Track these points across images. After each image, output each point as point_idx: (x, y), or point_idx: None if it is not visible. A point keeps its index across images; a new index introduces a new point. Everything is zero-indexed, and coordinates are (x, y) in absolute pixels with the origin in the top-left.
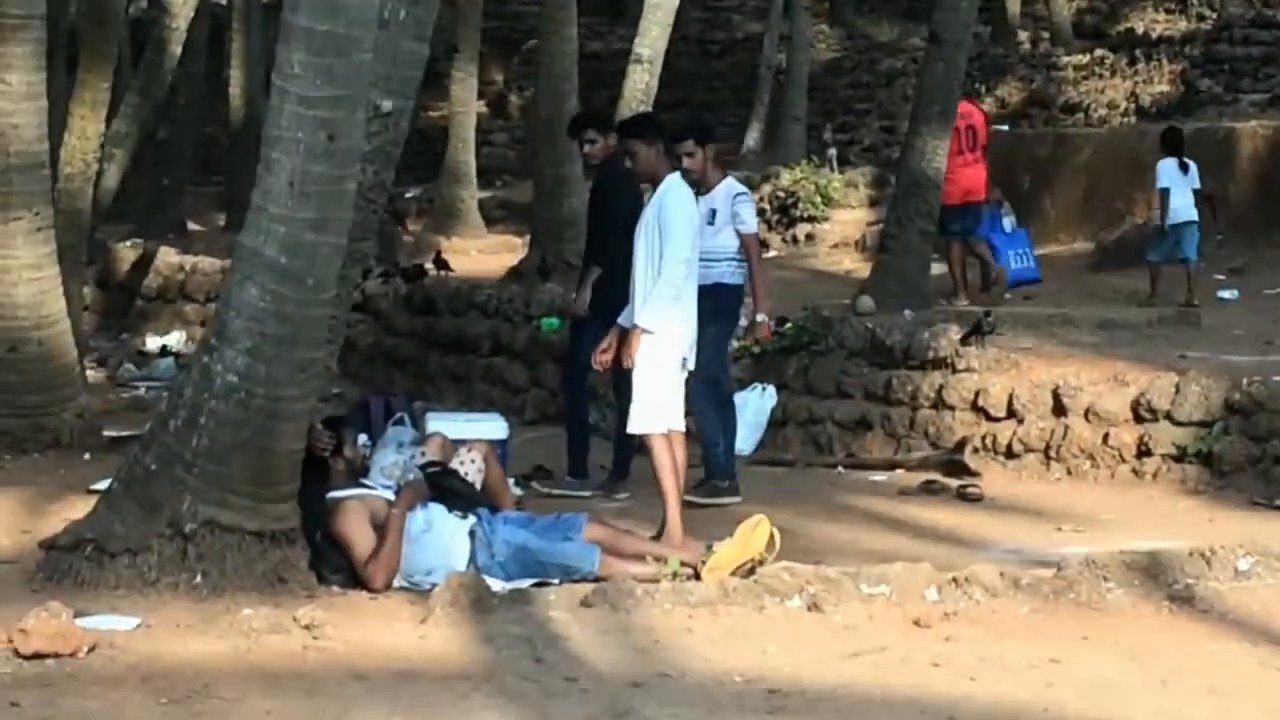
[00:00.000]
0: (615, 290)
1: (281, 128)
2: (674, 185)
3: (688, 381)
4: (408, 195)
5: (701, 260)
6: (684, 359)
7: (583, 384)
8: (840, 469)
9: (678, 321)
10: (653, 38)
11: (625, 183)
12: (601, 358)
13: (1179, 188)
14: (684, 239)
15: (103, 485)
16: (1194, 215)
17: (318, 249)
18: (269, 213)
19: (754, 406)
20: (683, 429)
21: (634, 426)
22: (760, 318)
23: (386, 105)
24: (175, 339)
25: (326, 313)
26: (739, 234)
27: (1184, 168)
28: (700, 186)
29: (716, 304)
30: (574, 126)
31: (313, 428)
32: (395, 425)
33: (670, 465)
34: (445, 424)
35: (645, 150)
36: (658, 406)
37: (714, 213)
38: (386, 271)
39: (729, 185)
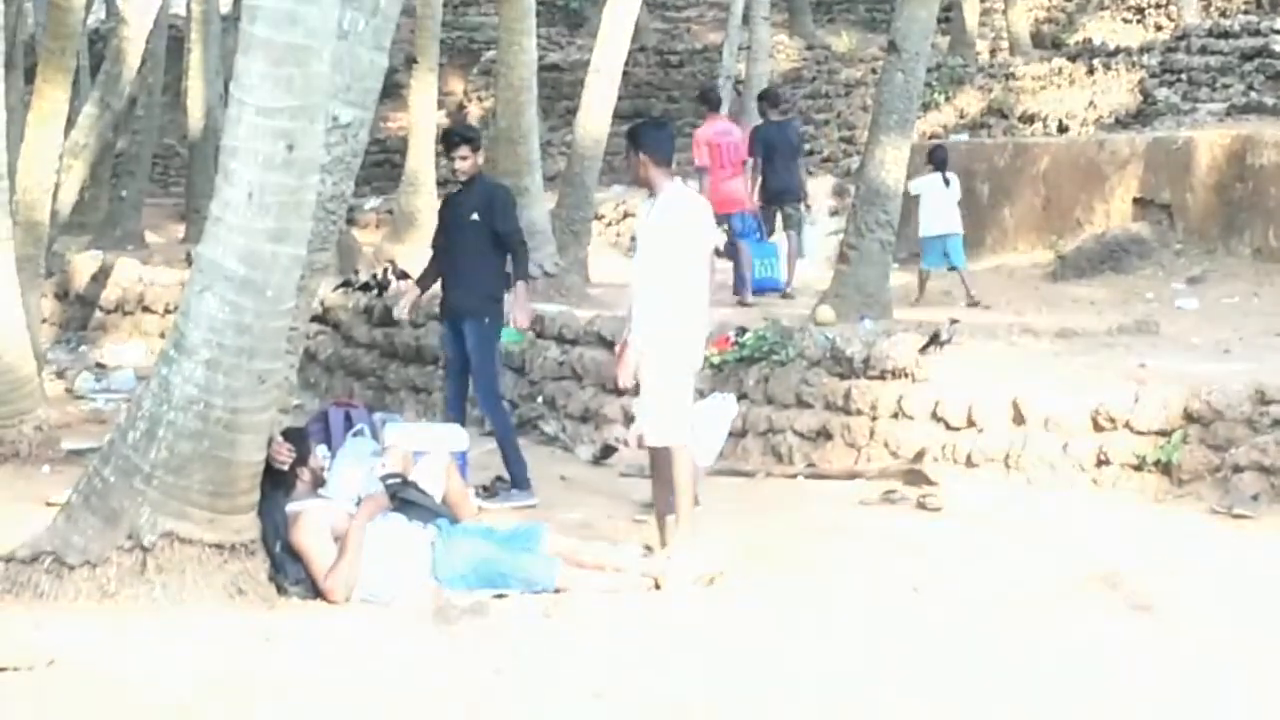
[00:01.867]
0: (455, 293)
1: (240, 138)
2: (674, 196)
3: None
4: (367, 206)
5: None
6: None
7: (488, 391)
8: (800, 479)
9: (679, 334)
10: (612, 49)
11: (487, 197)
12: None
13: (940, 201)
14: (681, 252)
15: (62, 498)
16: (956, 227)
17: (277, 260)
18: (228, 223)
19: (714, 416)
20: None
21: (653, 440)
22: None
23: (345, 116)
24: (135, 351)
25: (286, 324)
26: None
27: (946, 182)
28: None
29: None
30: (447, 142)
31: (272, 439)
32: (355, 437)
33: (689, 480)
34: (405, 435)
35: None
36: (673, 418)
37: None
38: (348, 281)
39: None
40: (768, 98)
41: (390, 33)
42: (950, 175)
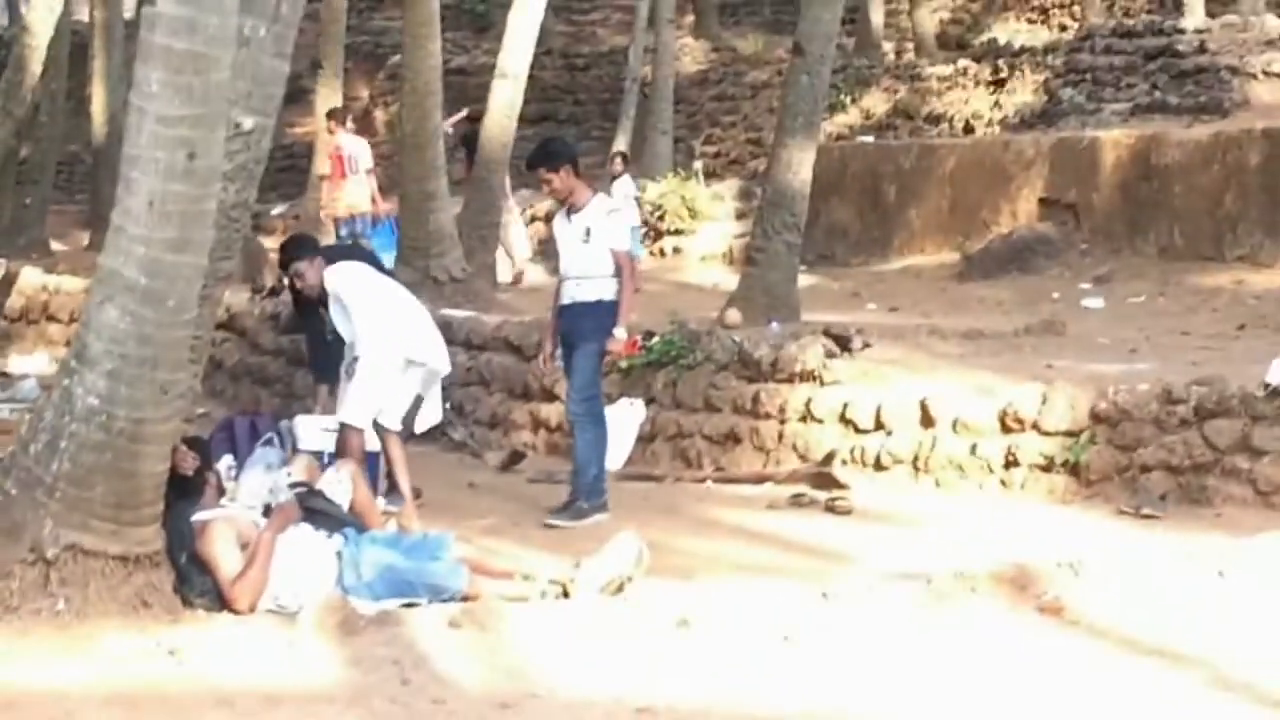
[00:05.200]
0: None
1: (141, 147)
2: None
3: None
4: (273, 212)
5: (578, 278)
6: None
7: None
8: (709, 483)
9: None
10: (518, 53)
11: None
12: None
13: None
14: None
15: None
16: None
17: (179, 269)
18: (129, 233)
19: (622, 421)
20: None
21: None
22: (619, 333)
23: (248, 123)
24: (39, 360)
25: (188, 334)
26: (612, 251)
27: None
28: (571, 206)
29: (598, 321)
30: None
31: (176, 448)
32: (264, 445)
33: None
34: (315, 429)
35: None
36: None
37: (588, 230)
38: (260, 288)
39: (601, 202)
40: None
41: (291, 39)
42: None
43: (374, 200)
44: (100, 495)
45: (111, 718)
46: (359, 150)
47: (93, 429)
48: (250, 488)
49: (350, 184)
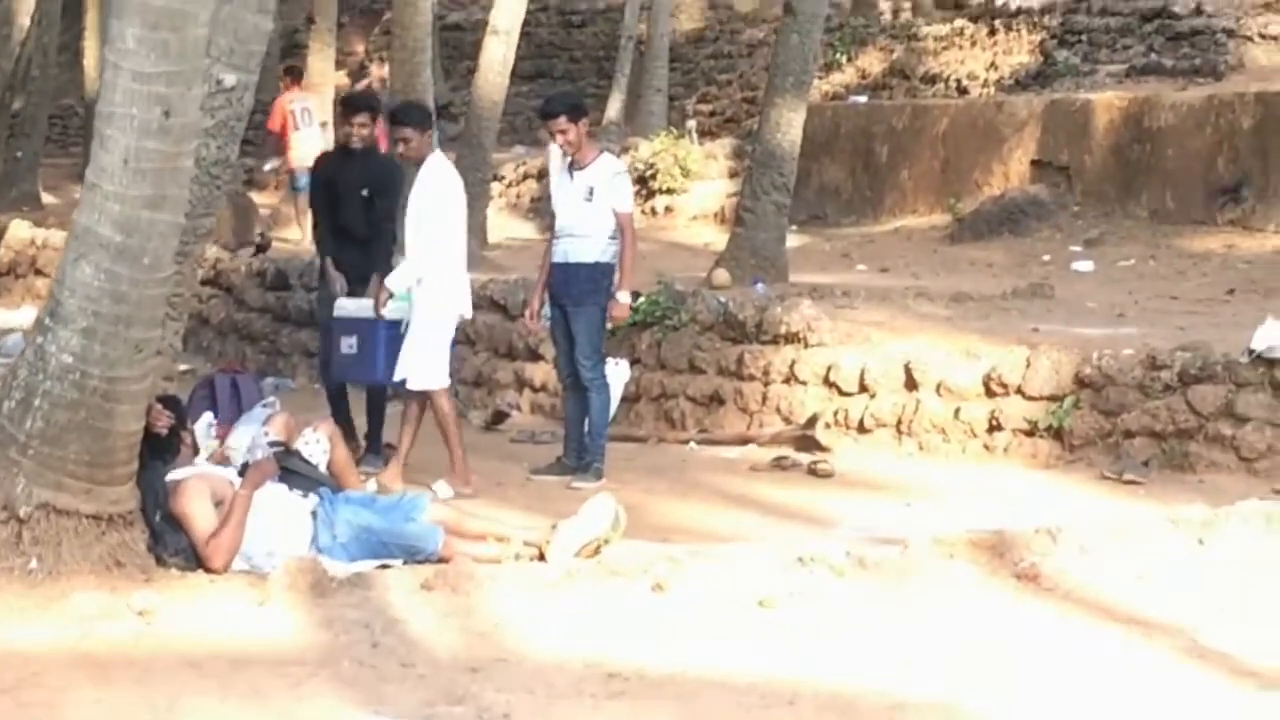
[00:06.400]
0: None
1: (115, 104)
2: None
3: (573, 363)
4: (266, 167)
5: (577, 236)
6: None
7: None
8: (693, 445)
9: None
10: (509, 9)
11: (383, 178)
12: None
13: None
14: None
15: None
16: None
17: (154, 227)
18: (103, 190)
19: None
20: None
21: (416, 383)
22: (622, 296)
23: (229, 80)
24: (27, 315)
25: (164, 292)
26: (615, 211)
27: None
28: (575, 163)
29: (595, 282)
30: (346, 106)
31: (150, 407)
32: (265, 408)
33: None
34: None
35: (419, 137)
36: (438, 364)
37: (591, 190)
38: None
39: (607, 162)
40: None
41: None
42: None
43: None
44: (74, 454)
45: (77, 680)
46: (312, 105)
47: (66, 387)
48: (239, 443)
49: (301, 137)
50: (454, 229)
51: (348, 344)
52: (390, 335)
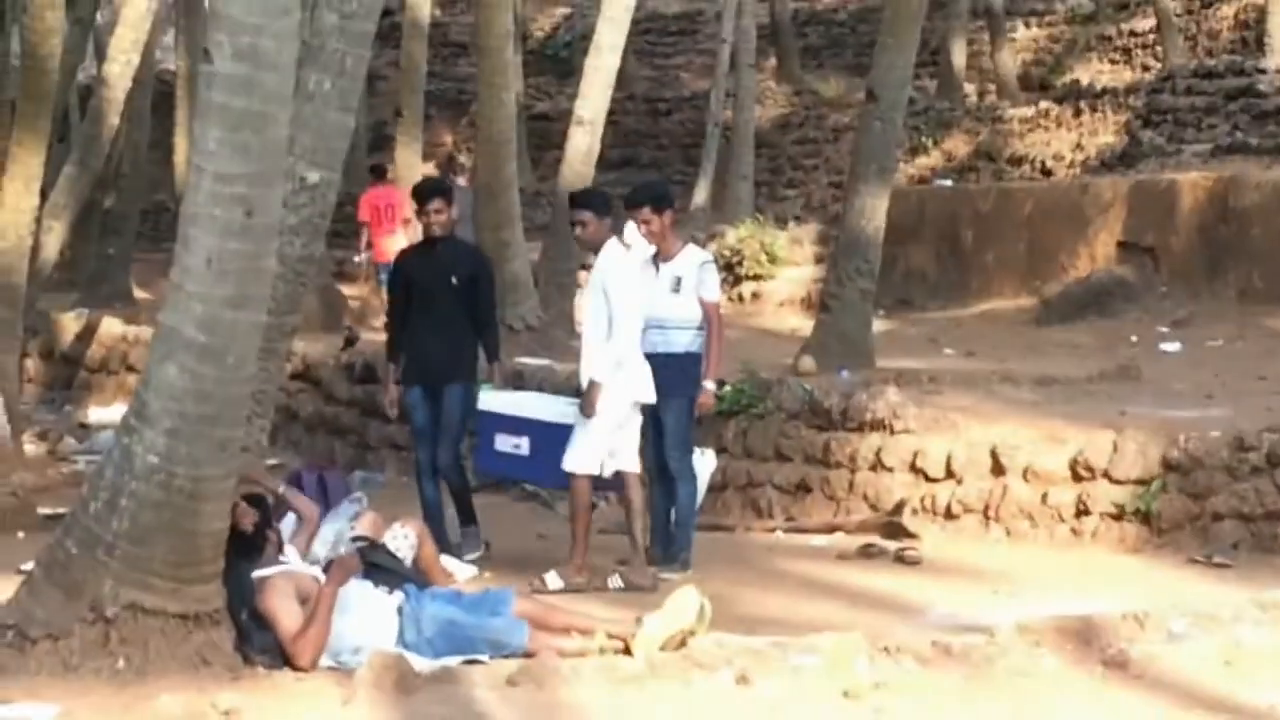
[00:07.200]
0: (435, 357)
1: (199, 204)
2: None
3: (662, 454)
4: (356, 259)
5: (666, 328)
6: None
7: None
8: (779, 533)
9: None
10: (594, 99)
11: (471, 265)
12: None
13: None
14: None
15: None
16: None
17: (237, 326)
18: (187, 290)
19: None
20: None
21: (566, 463)
22: (709, 385)
23: (313, 177)
24: (118, 411)
25: (247, 390)
26: (702, 301)
27: None
28: (660, 254)
29: (684, 373)
30: (419, 196)
31: (236, 505)
32: (352, 503)
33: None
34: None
35: (596, 222)
36: (591, 449)
37: (679, 280)
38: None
39: (693, 252)
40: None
41: (356, 93)
42: None
43: None
44: (160, 553)
45: None
46: (396, 200)
47: (152, 487)
48: (326, 539)
49: (384, 232)
50: (632, 313)
51: (513, 444)
52: (565, 437)
